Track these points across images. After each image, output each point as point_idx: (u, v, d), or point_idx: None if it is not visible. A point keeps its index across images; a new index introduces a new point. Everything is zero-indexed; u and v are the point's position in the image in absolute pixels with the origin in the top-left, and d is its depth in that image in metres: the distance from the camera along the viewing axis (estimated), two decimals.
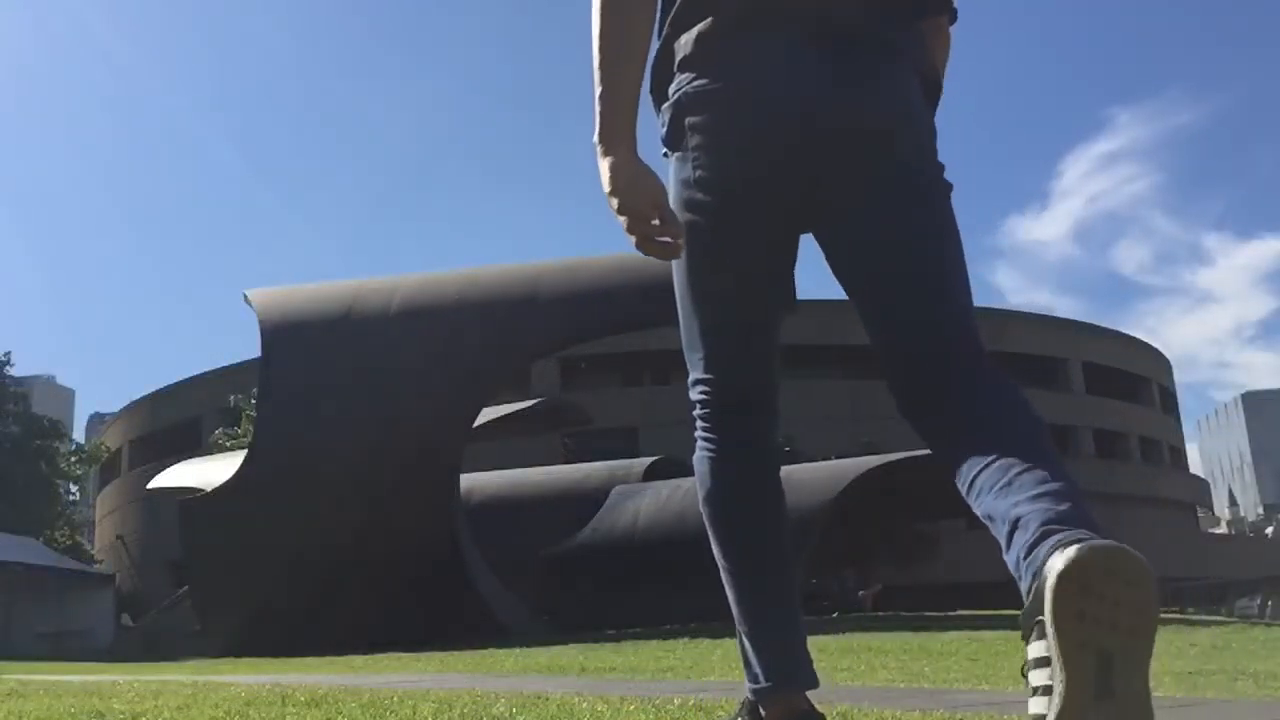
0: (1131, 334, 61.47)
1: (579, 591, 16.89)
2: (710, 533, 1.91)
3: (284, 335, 14.94)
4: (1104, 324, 59.24)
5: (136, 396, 56.65)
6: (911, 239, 1.75)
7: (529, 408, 21.80)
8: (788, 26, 1.72)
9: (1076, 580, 1.24)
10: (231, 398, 36.64)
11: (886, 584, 26.01)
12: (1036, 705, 1.28)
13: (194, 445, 42.30)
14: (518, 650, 8.41)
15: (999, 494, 1.56)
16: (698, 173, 1.75)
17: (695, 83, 1.75)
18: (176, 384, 52.91)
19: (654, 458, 22.42)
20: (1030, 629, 1.34)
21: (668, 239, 1.68)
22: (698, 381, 1.90)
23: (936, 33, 1.96)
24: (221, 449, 31.72)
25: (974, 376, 1.73)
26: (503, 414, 19.24)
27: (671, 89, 1.79)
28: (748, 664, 1.84)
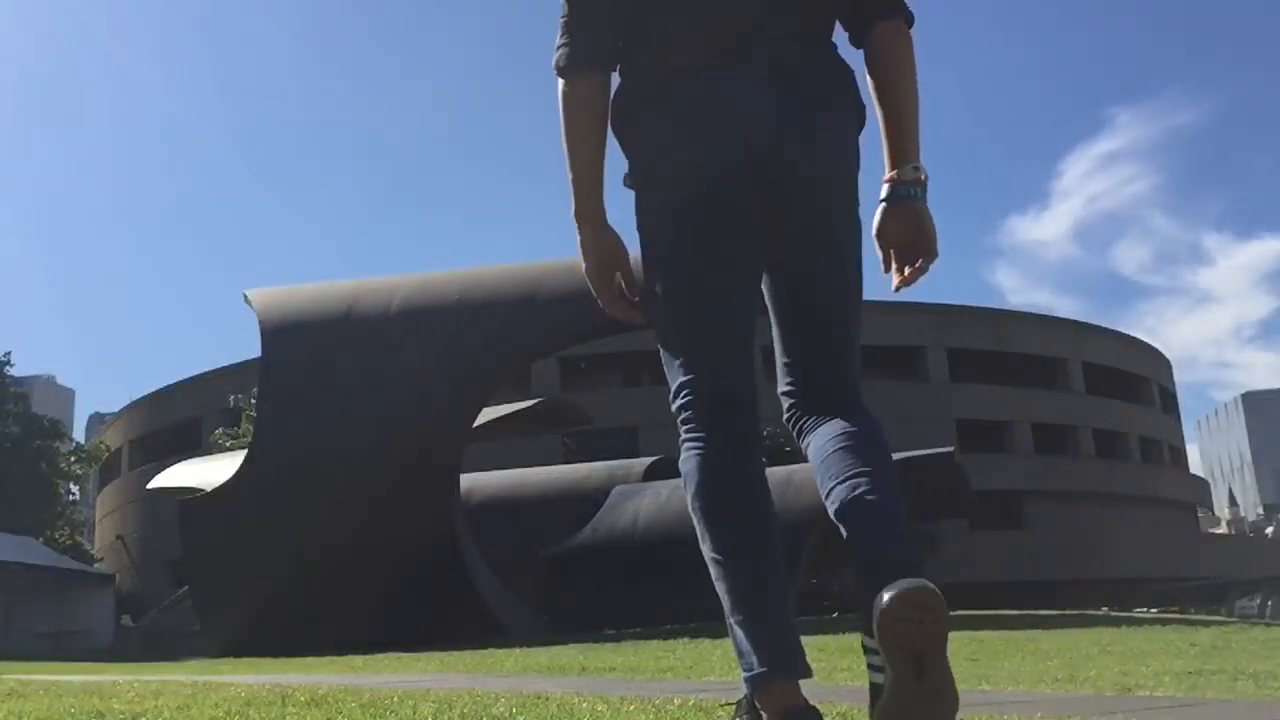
0: (1131, 334, 61.48)
1: (579, 591, 16.88)
2: (702, 527, 1.96)
3: (284, 335, 14.93)
4: (1104, 324, 59.25)
5: (136, 396, 56.68)
6: (828, 278, 2.02)
7: (529, 408, 21.79)
8: (738, 72, 1.93)
9: (895, 611, 1.64)
10: (231, 398, 36.66)
11: None
12: (875, 676, 1.76)
13: (194, 445, 42.30)
14: (518, 650, 8.41)
15: (847, 509, 1.91)
16: (657, 202, 1.98)
17: (655, 124, 1.98)
18: (176, 384, 52.91)
19: (654, 458, 22.40)
20: (869, 630, 1.72)
21: (629, 305, 2.05)
22: (682, 386, 2.01)
23: (895, 36, 2.06)
24: (221, 449, 31.73)
25: (849, 405, 2.02)
26: (503, 414, 19.25)
27: (633, 132, 2.02)
28: (742, 654, 1.88)
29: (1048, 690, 3.96)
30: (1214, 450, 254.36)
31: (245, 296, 15.69)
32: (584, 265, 2.05)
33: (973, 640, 7.48)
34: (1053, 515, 46.22)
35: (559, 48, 2.05)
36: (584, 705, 3.17)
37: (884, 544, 1.84)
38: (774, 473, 21.26)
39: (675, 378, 2.02)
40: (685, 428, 2.00)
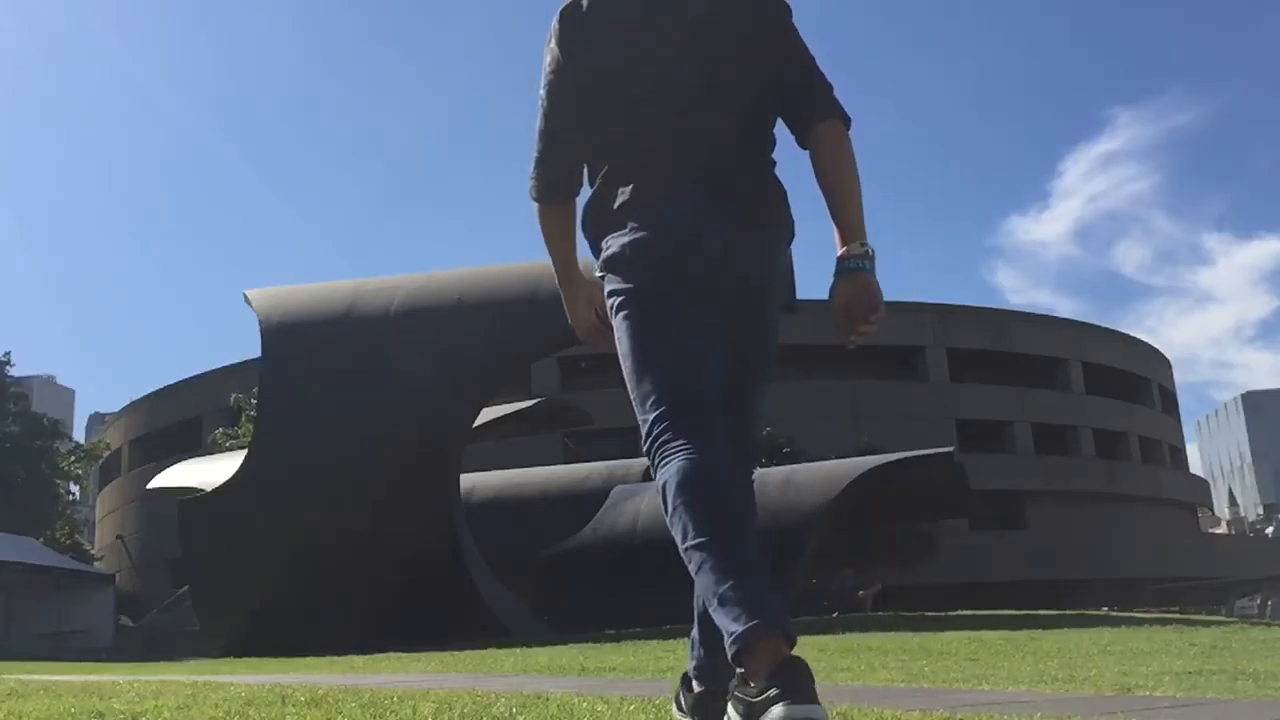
0: (1131, 334, 61.46)
1: (579, 592, 16.88)
2: (681, 521, 2.09)
3: (284, 335, 14.93)
4: (1104, 324, 59.17)
5: (136, 396, 56.67)
6: (750, 370, 2.42)
7: (529, 408, 21.79)
8: (690, 189, 2.30)
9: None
10: (232, 396, 36.63)
11: (886, 584, 25.98)
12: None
13: (194, 445, 42.28)
14: (518, 650, 8.40)
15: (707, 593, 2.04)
16: (629, 283, 2.32)
17: (620, 235, 2.32)
18: (176, 384, 52.89)
19: None
20: (744, 685, 1.92)
21: (602, 337, 2.48)
22: (656, 419, 2.24)
23: (832, 135, 2.38)
24: (221, 449, 31.71)
25: (744, 483, 2.50)
26: (503, 414, 19.25)
27: (603, 238, 2.37)
28: (730, 618, 1.94)
29: (1048, 690, 3.96)
30: (1214, 450, 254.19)
31: (245, 296, 15.69)
32: (570, 315, 2.58)
33: (973, 640, 7.48)
34: (1053, 515, 46.20)
35: (532, 179, 2.48)
36: (584, 705, 3.17)
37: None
38: (774, 472, 21.37)
39: (649, 413, 2.26)
40: (660, 449, 2.21)
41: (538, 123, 2.47)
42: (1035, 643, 7.17)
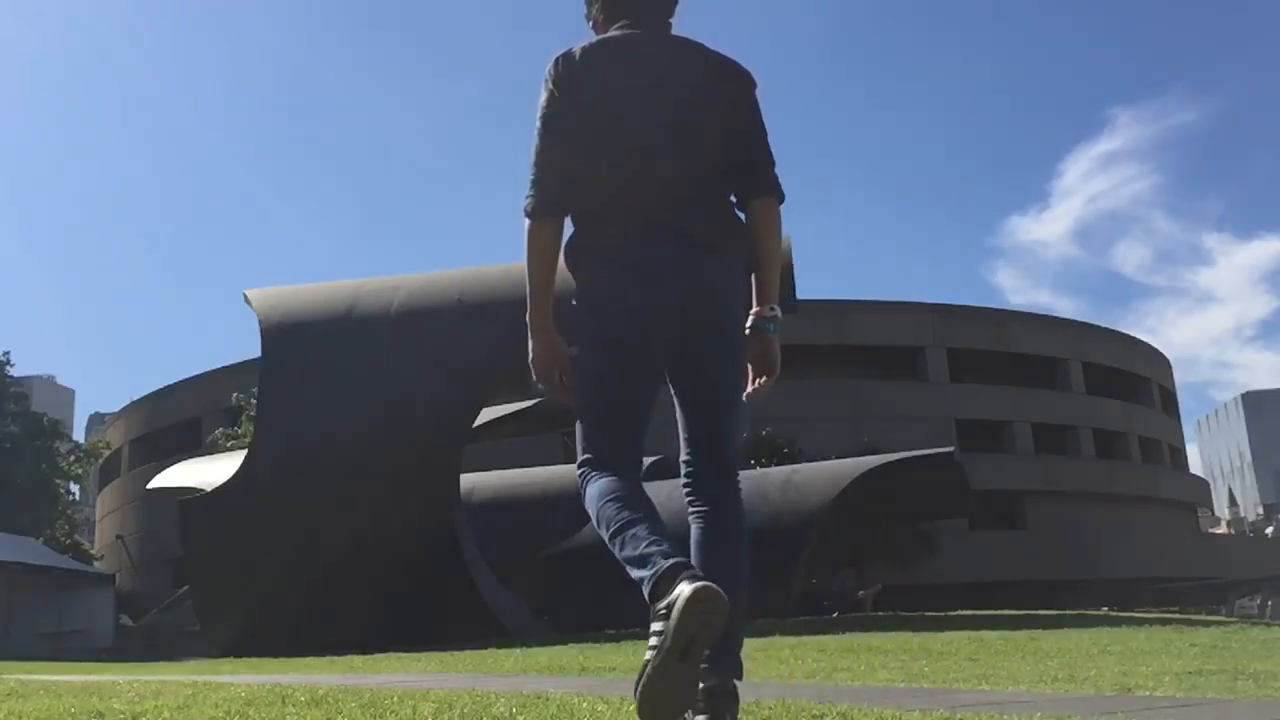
0: (1131, 334, 61.41)
1: (579, 592, 16.87)
2: (604, 516, 2.54)
3: (284, 335, 14.92)
4: (1104, 324, 59.11)
5: (136, 396, 56.66)
6: (718, 388, 2.70)
7: (529, 408, 21.78)
8: (657, 238, 2.62)
9: (692, 600, 2.15)
10: (234, 395, 36.60)
11: (886, 584, 25.99)
12: (648, 653, 2.22)
13: (194, 445, 42.26)
14: (518, 650, 8.41)
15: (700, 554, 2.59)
16: (595, 329, 2.64)
17: (594, 272, 2.67)
18: (176, 384, 52.88)
19: (654, 458, 22.35)
20: (658, 613, 2.23)
21: (564, 390, 2.70)
22: (587, 452, 2.67)
23: (765, 210, 2.78)
24: (221, 449, 31.70)
25: (729, 485, 2.71)
26: (503, 414, 19.24)
27: (580, 271, 2.69)
28: (647, 568, 2.34)
29: (1048, 690, 3.96)
30: (1214, 450, 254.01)
31: (245, 296, 15.69)
32: (532, 358, 2.74)
33: (973, 640, 7.48)
34: (1053, 515, 46.18)
35: (529, 197, 2.70)
36: (584, 705, 3.17)
37: (713, 652, 2.32)
38: (774, 472, 21.39)
39: (583, 446, 2.67)
40: (586, 474, 2.66)
41: (533, 149, 2.73)
42: (1035, 643, 7.17)
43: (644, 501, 2.55)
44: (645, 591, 2.28)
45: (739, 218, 2.77)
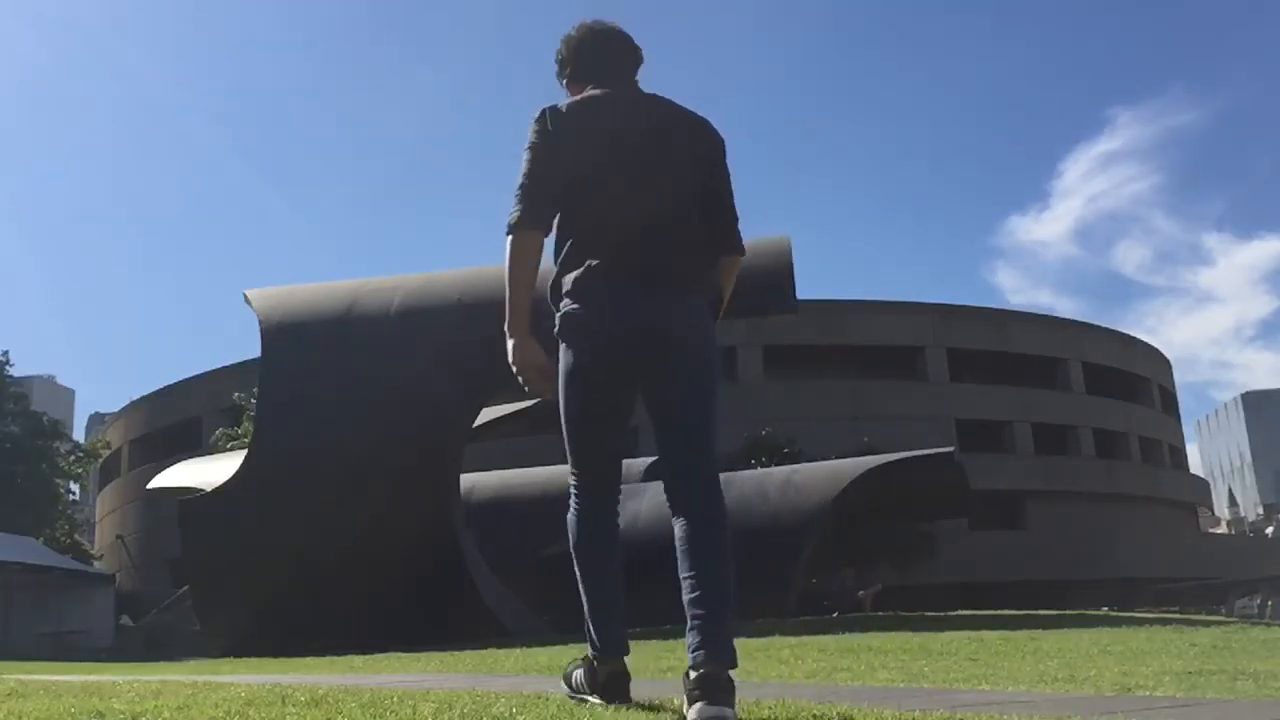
0: (1131, 334, 61.38)
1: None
2: (577, 561, 3.08)
3: (284, 335, 14.92)
4: (1104, 324, 59.11)
5: (136, 396, 56.66)
6: (690, 404, 2.97)
7: (529, 408, 21.77)
8: (628, 276, 2.92)
9: (706, 685, 2.56)
10: (235, 394, 36.59)
11: (886, 584, 25.99)
12: (573, 679, 3.16)
13: (194, 445, 42.28)
14: (518, 650, 8.40)
15: (688, 606, 2.82)
16: (574, 358, 2.97)
17: (572, 307, 2.98)
18: (176, 384, 52.91)
19: (654, 458, 22.34)
20: (586, 675, 3.10)
21: (544, 386, 3.02)
22: (574, 471, 3.08)
23: (730, 266, 3.22)
24: (222, 449, 31.70)
25: (709, 498, 2.93)
26: (503, 414, 19.24)
27: (560, 306, 3.00)
28: (591, 640, 3.07)
29: (1048, 690, 3.96)
30: (1214, 450, 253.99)
31: (245, 296, 15.68)
32: (513, 366, 3.05)
33: (973, 640, 7.47)
34: (1053, 515, 46.20)
35: (514, 212, 2.96)
36: (584, 707, 3.18)
37: (705, 635, 2.70)
38: (774, 472, 21.38)
39: (571, 462, 3.09)
40: (573, 496, 3.09)
41: (520, 175, 3.03)
42: (1035, 643, 7.17)
43: (612, 554, 3.09)
44: (588, 647, 3.07)
45: (703, 255, 3.09)
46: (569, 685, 3.27)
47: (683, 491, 2.93)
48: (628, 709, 3.04)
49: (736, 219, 3.18)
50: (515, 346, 3.01)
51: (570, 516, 3.08)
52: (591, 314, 2.94)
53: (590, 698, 3.05)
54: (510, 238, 2.98)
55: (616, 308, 2.92)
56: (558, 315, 3.01)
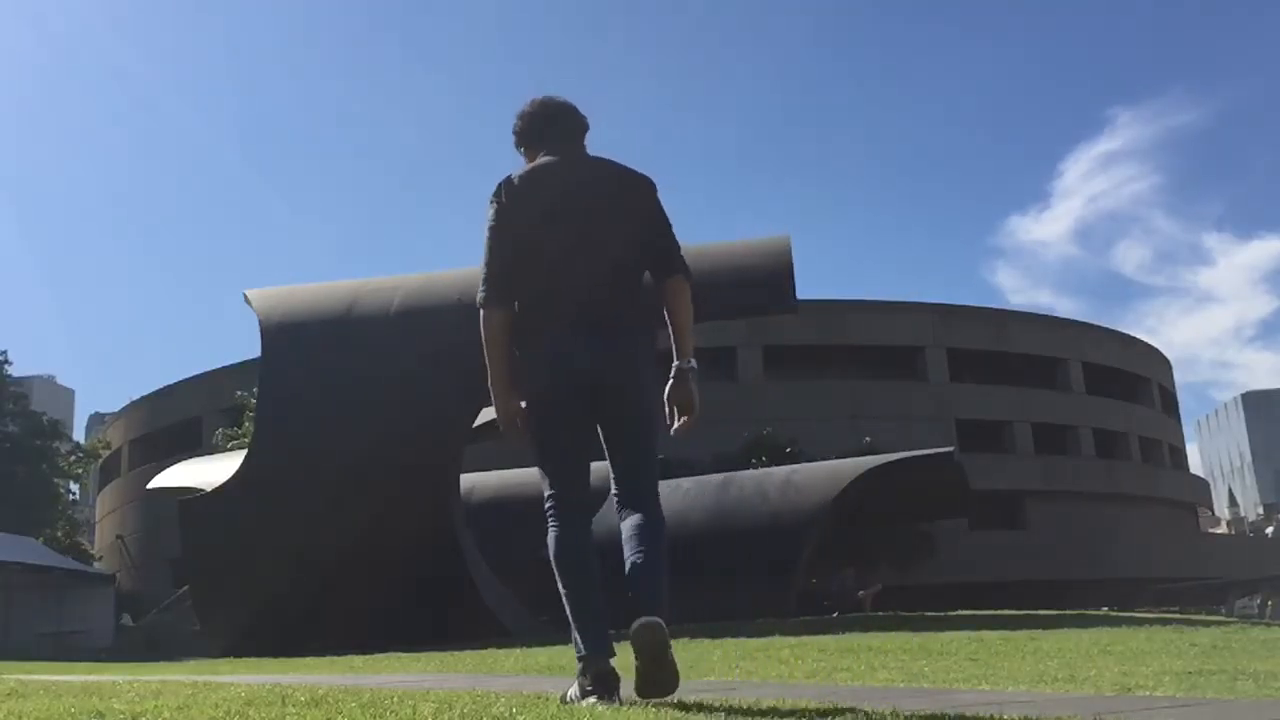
0: (1131, 334, 61.32)
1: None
2: (560, 574, 3.40)
3: (284, 335, 14.91)
4: (1104, 324, 59.05)
5: (136, 396, 56.62)
6: (636, 437, 3.52)
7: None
8: (574, 327, 3.42)
9: (639, 630, 3.15)
10: (237, 393, 36.56)
11: (886, 584, 25.97)
12: (571, 691, 3.34)
13: (194, 445, 42.25)
14: (518, 650, 8.40)
15: (629, 570, 3.38)
16: (535, 401, 3.48)
17: (529, 356, 3.47)
18: (176, 384, 52.84)
19: None
20: (580, 679, 3.29)
21: (519, 439, 3.55)
22: (549, 495, 3.48)
23: (675, 287, 3.56)
24: (222, 449, 31.68)
25: (646, 505, 3.48)
26: None
27: (520, 354, 3.48)
28: (577, 645, 3.33)
29: (1048, 690, 3.96)
30: (1214, 450, 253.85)
31: (245, 296, 15.68)
32: (498, 412, 3.54)
33: (973, 640, 7.47)
34: (1053, 515, 46.17)
35: (481, 294, 3.48)
36: (584, 705, 3.18)
37: (643, 591, 3.27)
38: (774, 472, 21.37)
39: (545, 488, 3.50)
40: (550, 517, 3.46)
41: (483, 256, 3.51)
42: (1035, 643, 7.17)
43: (589, 564, 3.42)
44: (577, 658, 3.33)
45: (641, 302, 3.53)
46: (566, 702, 3.45)
47: (629, 501, 3.49)
48: (628, 708, 3.04)
49: (676, 247, 3.59)
50: (497, 401, 3.52)
51: (551, 536, 3.44)
52: (544, 363, 3.43)
53: (587, 700, 3.24)
54: (482, 314, 3.50)
55: (565, 356, 3.39)
56: (521, 357, 3.49)
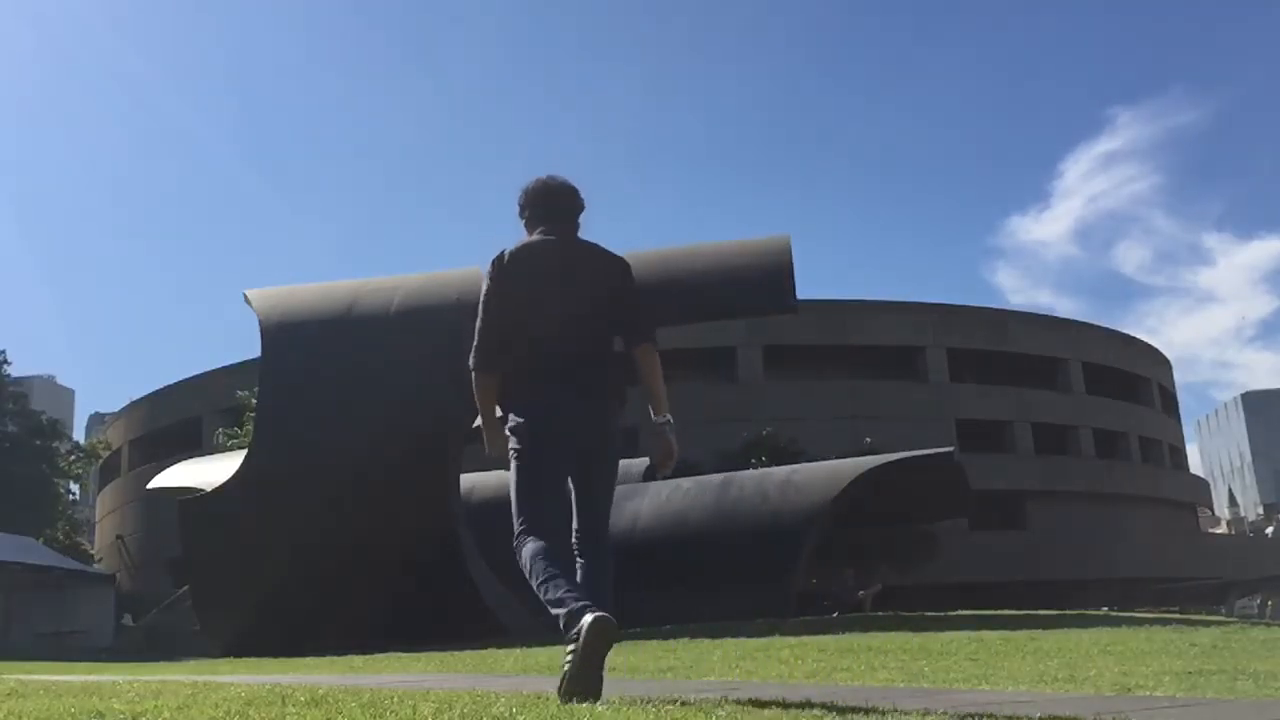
0: (1131, 334, 61.32)
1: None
2: (533, 571, 3.74)
3: (284, 335, 14.92)
4: (1104, 324, 59.03)
5: (136, 396, 56.62)
6: (595, 483, 4.00)
7: None
8: (552, 386, 3.89)
9: (590, 628, 3.33)
10: (237, 393, 36.55)
11: (886, 584, 25.97)
12: (565, 662, 3.40)
13: (194, 445, 42.24)
14: (518, 650, 8.41)
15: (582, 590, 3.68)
16: (519, 443, 3.90)
17: (516, 407, 3.94)
18: (176, 384, 52.83)
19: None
20: (570, 638, 3.40)
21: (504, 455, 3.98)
22: (519, 529, 3.86)
23: (645, 353, 4.01)
24: (222, 449, 31.67)
25: (600, 546, 3.96)
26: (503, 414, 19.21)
27: (507, 406, 3.96)
28: (562, 612, 3.52)
29: (1048, 690, 3.96)
30: (1214, 450, 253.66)
31: (245, 296, 15.68)
32: (488, 445, 4.03)
33: (973, 640, 7.48)
34: (1053, 515, 46.17)
35: (473, 356, 3.97)
36: (584, 705, 3.17)
37: (595, 599, 3.57)
38: (774, 472, 21.37)
39: (518, 517, 3.87)
40: (523, 537, 3.84)
41: (478, 322, 3.97)
42: (1035, 643, 7.17)
43: (564, 561, 3.76)
44: (561, 624, 3.49)
45: (612, 367, 4.00)
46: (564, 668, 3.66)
47: (586, 545, 3.93)
48: (628, 708, 3.04)
49: (645, 318, 4.08)
50: (487, 441, 4.04)
51: (525, 549, 3.81)
52: (528, 415, 3.90)
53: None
54: (474, 375, 3.99)
55: (545, 410, 3.88)
56: (508, 418, 3.97)
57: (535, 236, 4.07)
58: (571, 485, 3.96)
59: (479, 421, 4.05)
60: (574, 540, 3.93)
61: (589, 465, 3.94)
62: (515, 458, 3.90)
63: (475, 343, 3.96)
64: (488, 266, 4.01)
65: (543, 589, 3.64)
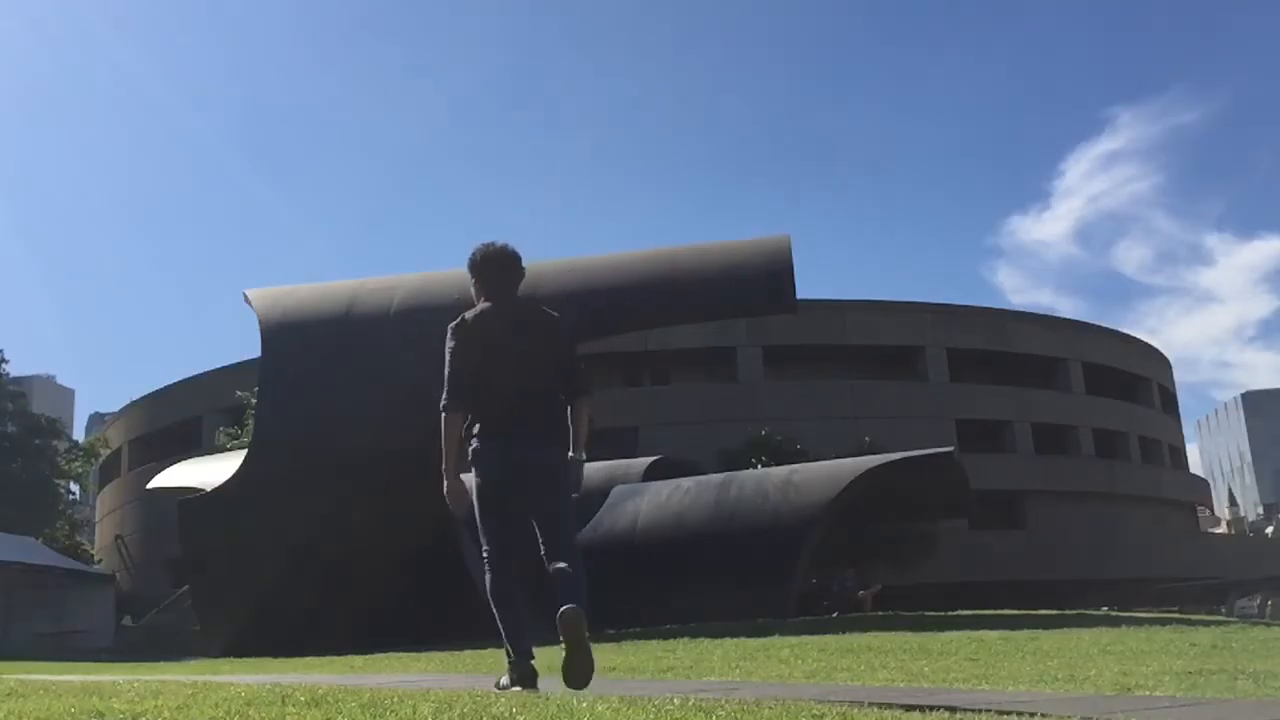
0: (1131, 334, 61.29)
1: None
2: (494, 602, 4.57)
3: (284, 335, 14.92)
4: (1104, 324, 58.98)
5: (136, 396, 56.58)
6: (552, 514, 4.66)
7: None
8: (507, 432, 4.62)
9: (564, 617, 4.16)
10: (237, 393, 36.57)
11: (886, 584, 25.95)
12: (503, 679, 4.53)
13: (194, 445, 42.24)
14: None
15: (556, 594, 4.35)
16: (481, 479, 4.62)
17: (476, 450, 4.61)
18: (176, 384, 52.78)
19: (654, 458, 22.37)
20: (508, 672, 4.44)
21: (461, 511, 4.64)
22: (487, 559, 4.65)
23: (579, 406, 4.74)
24: (222, 449, 31.67)
25: (570, 559, 4.54)
26: None
27: (469, 449, 4.63)
28: (508, 652, 4.44)
29: (1048, 690, 3.96)
30: (1214, 450, 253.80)
31: (245, 296, 15.68)
32: (446, 490, 4.59)
33: (973, 640, 7.48)
34: (1053, 515, 46.16)
35: (444, 400, 4.61)
36: (584, 705, 3.18)
37: (568, 592, 4.27)
38: (774, 472, 21.37)
39: (484, 542, 4.67)
40: (486, 563, 4.64)
41: (446, 370, 4.62)
42: (1035, 643, 7.17)
43: (515, 597, 4.59)
44: (507, 664, 4.43)
45: (560, 412, 4.68)
46: (498, 688, 4.36)
47: (553, 561, 4.51)
48: (628, 708, 3.04)
49: (580, 373, 4.81)
50: (447, 491, 4.57)
51: (487, 579, 4.60)
52: (487, 458, 4.58)
53: (514, 689, 4.21)
54: (443, 417, 4.58)
55: (501, 453, 4.57)
56: (471, 451, 4.61)
57: (485, 305, 4.78)
58: (532, 517, 4.59)
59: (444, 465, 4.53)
60: (544, 558, 4.55)
61: (543, 510, 4.58)
62: (477, 487, 4.57)
63: (445, 388, 4.59)
64: (449, 330, 4.71)
65: (498, 617, 4.52)
